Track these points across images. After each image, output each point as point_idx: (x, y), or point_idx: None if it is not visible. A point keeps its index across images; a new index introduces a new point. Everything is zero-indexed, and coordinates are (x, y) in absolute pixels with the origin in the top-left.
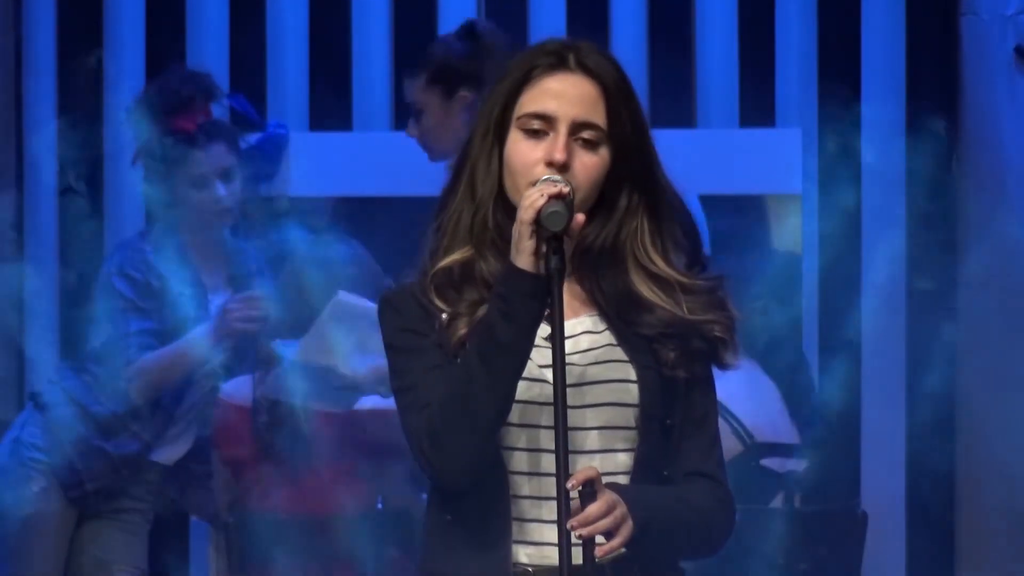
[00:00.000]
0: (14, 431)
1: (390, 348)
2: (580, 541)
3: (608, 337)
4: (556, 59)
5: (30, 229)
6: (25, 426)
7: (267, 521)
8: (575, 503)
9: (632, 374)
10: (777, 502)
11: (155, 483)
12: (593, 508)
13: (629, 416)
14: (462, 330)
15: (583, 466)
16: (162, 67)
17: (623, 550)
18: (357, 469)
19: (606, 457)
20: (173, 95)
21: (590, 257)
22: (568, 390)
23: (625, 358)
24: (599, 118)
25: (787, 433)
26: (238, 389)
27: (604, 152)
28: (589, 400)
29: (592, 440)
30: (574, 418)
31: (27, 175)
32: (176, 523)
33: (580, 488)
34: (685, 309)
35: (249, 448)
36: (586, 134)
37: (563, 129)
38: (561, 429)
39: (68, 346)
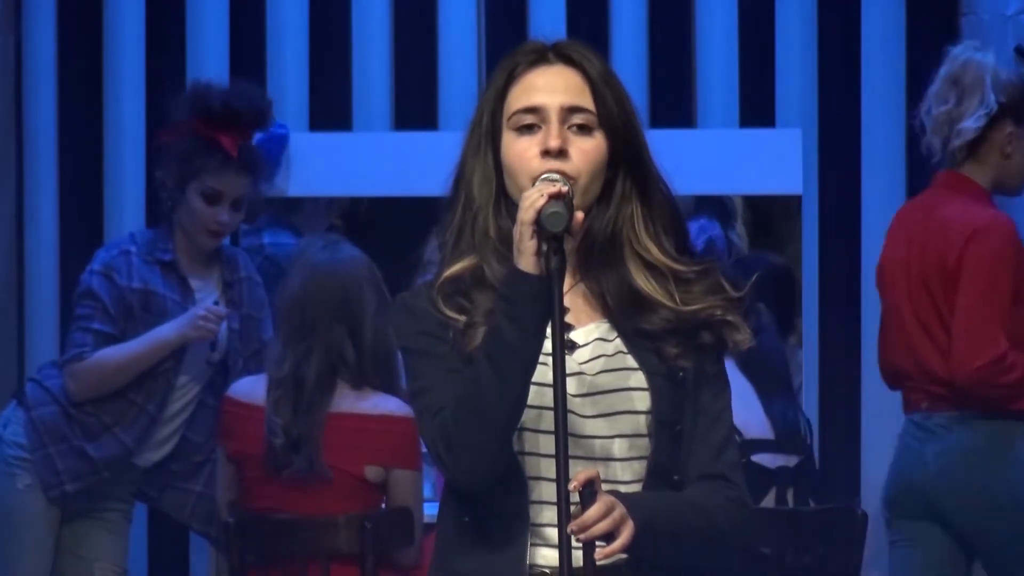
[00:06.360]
0: None
1: (406, 351)
2: (580, 545)
3: (619, 345)
4: (536, 56)
5: (30, 229)
6: (8, 424)
7: (267, 521)
8: (576, 507)
9: (643, 381)
10: (770, 499)
11: (137, 482)
12: (592, 512)
13: (642, 423)
14: (479, 339)
15: (604, 476)
16: (162, 67)
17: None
18: (361, 470)
19: (624, 465)
20: (230, 110)
21: (594, 252)
22: (581, 400)
23: (635, 365)
24: (587, 103)
25: (769, 432)
26: (248, 388)
27: (599, 136)
28: (602, 409)
29: (613, 448)
30: (589, 427)
31: (27, 175)
32: (176, 524)
33: (580, 490)
34: (679, 300)
35: (256, 446)
36: (578, 119)
37: (554, 117)
38: (561, 430)
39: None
